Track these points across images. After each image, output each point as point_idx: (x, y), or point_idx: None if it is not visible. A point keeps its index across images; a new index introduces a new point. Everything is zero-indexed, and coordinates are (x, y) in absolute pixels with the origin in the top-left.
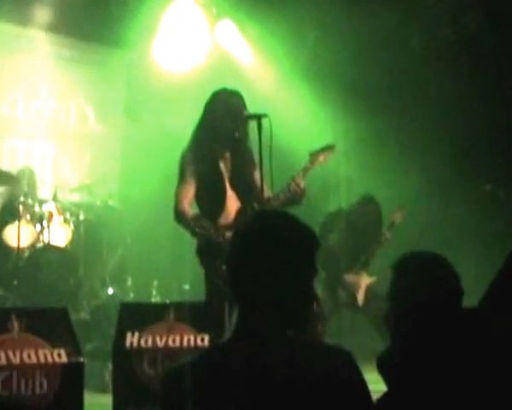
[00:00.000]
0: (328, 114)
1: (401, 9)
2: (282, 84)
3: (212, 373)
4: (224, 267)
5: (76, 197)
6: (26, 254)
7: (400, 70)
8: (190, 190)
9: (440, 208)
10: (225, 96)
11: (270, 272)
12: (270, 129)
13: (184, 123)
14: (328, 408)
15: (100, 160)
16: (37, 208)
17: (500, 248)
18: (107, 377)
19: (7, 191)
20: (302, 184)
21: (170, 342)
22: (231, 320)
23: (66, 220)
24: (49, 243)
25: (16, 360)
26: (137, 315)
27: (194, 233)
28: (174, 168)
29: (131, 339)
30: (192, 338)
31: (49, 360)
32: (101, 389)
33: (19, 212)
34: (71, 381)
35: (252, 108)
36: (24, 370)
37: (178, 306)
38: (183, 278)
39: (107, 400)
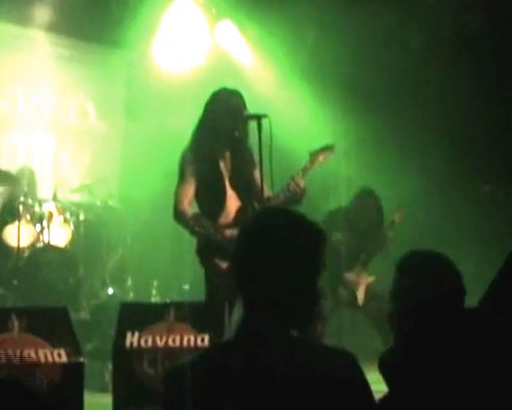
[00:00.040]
0: (328, 114)
1: (401, 9)
2: (281, 85)
3: (213, 373)
4: (223, 266)
5: (76, 197)
6: (26, 254)
7: (400, 70)
8: (190, 190)
9: (440, 208)
10: (225, 96)
11: (274, 271)
12: (270, 129)
13: (184, 123)
14: (328, 409)
15: (100, 160)
16: (37, 208)
17: (500, 248)
18: (107, 377)
19: (7, 191)
20: (302, 183)
21: (170, 342)
22: (231, 320)
23: (66, 220)
24: (49, 242)
25: (16, 360)
26: (137, 315)
27: (193, 232)
28: (174, 168)
29: (131, 339)
30: (192, 338)
31: (49, 359)
32: (101, 389)
33: (19, 212)
34: (71, 381)
35: (252, 108)
36: (24, 370)
37: (178, 306)
38: (183, 278)
39: (107, 400)
